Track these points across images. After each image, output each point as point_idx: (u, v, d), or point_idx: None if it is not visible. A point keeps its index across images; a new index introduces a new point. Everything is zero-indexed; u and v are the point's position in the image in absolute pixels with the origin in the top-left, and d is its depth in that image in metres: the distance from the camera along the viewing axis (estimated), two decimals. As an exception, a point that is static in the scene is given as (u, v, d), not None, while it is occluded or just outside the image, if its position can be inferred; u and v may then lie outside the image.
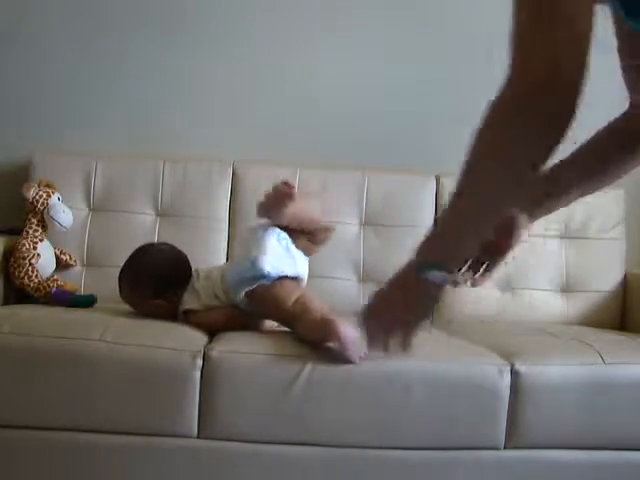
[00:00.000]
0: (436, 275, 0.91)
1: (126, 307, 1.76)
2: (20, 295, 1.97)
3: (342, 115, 2.34)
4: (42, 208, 2.00)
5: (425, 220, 2.15)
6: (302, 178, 2.17)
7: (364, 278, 2.15)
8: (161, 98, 2.32)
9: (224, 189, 2.18)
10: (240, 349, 1.51)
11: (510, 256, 1.11)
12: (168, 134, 2.32)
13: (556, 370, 1.56)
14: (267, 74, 2.34)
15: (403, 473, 1.54)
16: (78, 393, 1.48)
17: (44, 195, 2.01)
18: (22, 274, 1.93)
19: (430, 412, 1.51)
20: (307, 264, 1.72)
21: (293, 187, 1.59)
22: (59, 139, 2.28)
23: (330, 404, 1.49)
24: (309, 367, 1.47)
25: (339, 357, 1.45)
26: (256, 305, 1.63)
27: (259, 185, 2.17)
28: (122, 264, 1.76)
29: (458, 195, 0.87)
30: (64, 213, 2.03)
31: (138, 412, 1.48)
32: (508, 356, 1.57)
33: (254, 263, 1.59)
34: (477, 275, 1.12)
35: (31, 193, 2.00)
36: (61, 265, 2.05)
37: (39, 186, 2.03)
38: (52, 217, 2.00)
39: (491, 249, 1.10)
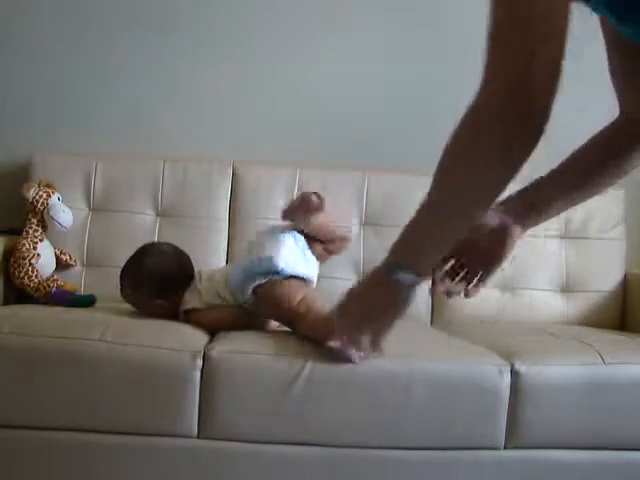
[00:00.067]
0: (405, 277, 0.91)
1: (126, 307, 1.76)
2: (20, 295, 1.97)
3: (342, 115, 2.33)
4: (42, 208, 2.00)
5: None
6: (302, 178, 2.17)
7: (364, 278, 2.15)
8: (161, 98, 2.32)
9: (224, 189, 2.18)
10: (240, 349, 1.51)
11: (506, 262, 1.10)
12: (168, 134, 2.32)
13: (556, 370, 1.56)
14: (267, 74, 2.34)
15: (403, 473, 1.53)
16: (78, 393, 1.47)
17: (44, 195, 2.01)
18: (22, 274, 1.93)
19: (430, 412, 1.51)
20: (317, 271, 1.73)
21: (324, 200, 1.62)
22: (59, 139, 2.27)
23: (330, 404, 1.49)
24: (309, 367, 1.47)
25: (340, 356, 1.45)
26: (261, 302, 1.62)
27: (259, 185, 2.19)
28: (122, 264, 1.76)
29: (428, 197, 0.87)
30: (64, 213, 2.02)
31: (138, 412, 1.48)
32: (508, 356, 1.57)
33: (269, 259, 1.60)
34: (470, 286, 1.12)
35: (31, 193, 2.00)
36: (61, 265, 2.05)
37: (39, 186, 2.03)
38: (52, 217, 2.00)
39: (484, 259, 1.10)
